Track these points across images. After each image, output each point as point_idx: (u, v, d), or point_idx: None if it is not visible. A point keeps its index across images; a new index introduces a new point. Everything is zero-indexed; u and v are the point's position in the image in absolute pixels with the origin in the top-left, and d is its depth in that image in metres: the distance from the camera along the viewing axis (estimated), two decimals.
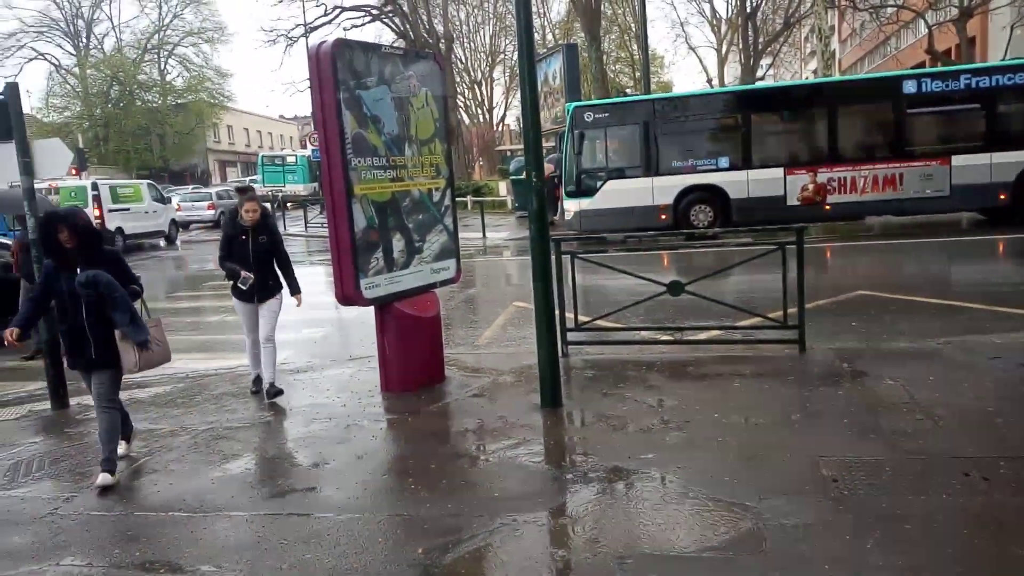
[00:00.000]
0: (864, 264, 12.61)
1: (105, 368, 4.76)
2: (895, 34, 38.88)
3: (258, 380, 6.46)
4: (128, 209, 22.21)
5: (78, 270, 4.57)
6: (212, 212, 29.86)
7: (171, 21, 54.11)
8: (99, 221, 20.51)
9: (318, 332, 9.34)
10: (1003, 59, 21.08)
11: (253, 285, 6.10)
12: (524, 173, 5.55)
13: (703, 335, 7.36)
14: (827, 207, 15.41)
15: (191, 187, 38.00)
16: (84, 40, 52.49)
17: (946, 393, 5.19)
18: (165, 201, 24.80)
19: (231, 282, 6.25)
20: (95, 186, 21.21)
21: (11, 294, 9.09)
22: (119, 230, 21.31)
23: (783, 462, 4.26)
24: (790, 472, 4.13)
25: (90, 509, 4.34)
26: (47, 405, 6.58)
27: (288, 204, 31.58)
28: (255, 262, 6.12)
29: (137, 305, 4.77)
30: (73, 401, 6.60)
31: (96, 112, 50.32)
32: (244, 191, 6.38)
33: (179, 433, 5.57)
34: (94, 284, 4.51)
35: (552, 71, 23.45)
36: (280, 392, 6.28)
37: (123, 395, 6.74)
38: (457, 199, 7.55)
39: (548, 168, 22.45)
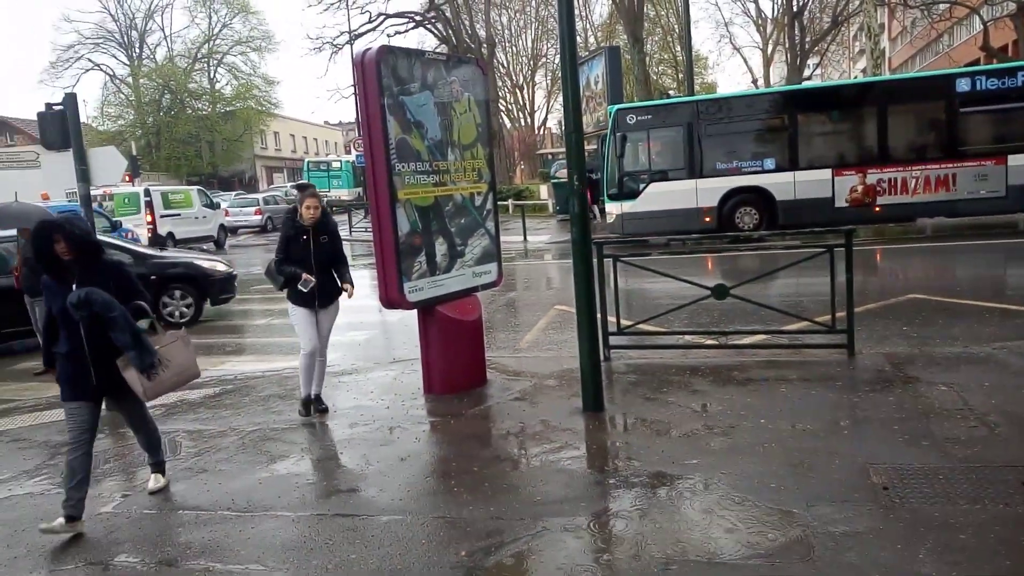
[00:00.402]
0: (915, 267, 12.29)
1: (120, 398, 4.36)
2: (948, 31, 37.86)
3: (308, 402, 5.91)
4: (179, 215, 22.81)
5: (74, 286, 4.05)
6: (259, 217, 30.46)
7: (220, 31, 55.57)
8: (151, 226, 21.14)
9: (362, 335, 9.45)
10: None
11: (314, 289, 5.63)
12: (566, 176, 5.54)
13: (748, 339, 7.26)
14: (877, 209, 15.07)
15: (235, 193, 38.72)
16: (137, 50, 54.17)
17: (1001, 400, 5.03)
18: (215, 207, 25.37)
19: (284, 288, 5.81)
20: (147, 192, 21.83)
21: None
22: (170, 235, 21.94)
23: (831, 469, 4.18)
24: (839, 479, 4.04)
25: (143, 508, 4.45)
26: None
27: (332, 208, 31.94)
28: (316, 264, 5.67)
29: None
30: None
31: (148, 120, 51.86)
32: (304, 188, 5.85)
33: (228, 434, 5.69)
34: (87, 303, 3.98)
35: (594, 75, 23.40)
36: (327, 411, 5.98)
37: (174, 396, 6.94)
38: (499, 203, 7.57)
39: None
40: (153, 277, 10.72)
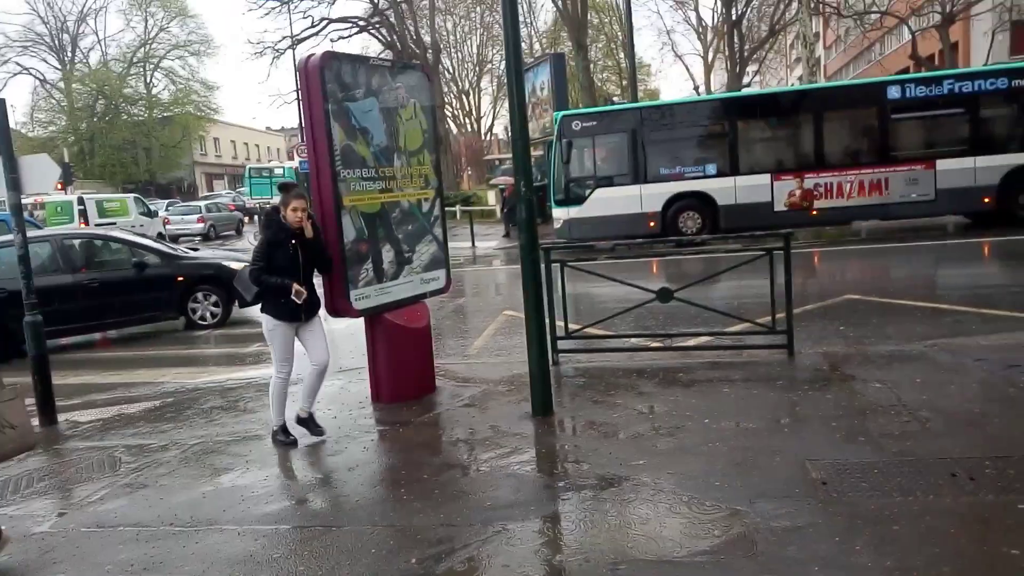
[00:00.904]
0: (851, 268, 12.71)
1: None
2: (879, 40, 39.28)
3: (285, 430, 5.41)
4: (115, 223, 22.10)
5: None
6: (201, 225, 30.01)
7: (157, 34, 54.23)
8: None
9: None
10: (985, 64, 21.35)
11: (304, 301, 5.15)
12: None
13: (692, 341, 7.40)
14: (814, 212, 15.55)
15: (167, 202, 37.86)
16: (69, 54, 52.43)
17: (933, 395, 5.24)
18: (152, 215, 24.75)
19: (256, 301, 5.33)
20: (81, 200, 21.17)
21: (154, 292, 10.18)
22: None
23: (773, 466, 4.29)
24: (780, 476, 4.16)
25: (81, 526, 4.31)
26: (35, 422, 6.53)
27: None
28: (304, 272, 5.21)
29: None
30: (61, 417, 6.56)
31: (82, 126, 50.23)
32: (288, 188, 5.29)
33: (169, 448, 5.55)
34: None
35: (540, 82, 23.59)
36: (323, 432, 5.51)
37: (113, 410, 6.76)
38: (446, 209, 7.57)
39: (511, 183, 22.75)
40: (180, 278, 10.52)
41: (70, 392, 7.59)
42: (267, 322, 5.27)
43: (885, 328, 7.71)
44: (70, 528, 4.29)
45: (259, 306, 5.37)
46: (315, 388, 5.46)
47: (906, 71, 29.17)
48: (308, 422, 5.46)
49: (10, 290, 8.79)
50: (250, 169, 42.96)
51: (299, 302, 5.12)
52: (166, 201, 37.07)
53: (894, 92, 15.20)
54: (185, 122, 52.63)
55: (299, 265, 5.17)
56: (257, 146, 70.58)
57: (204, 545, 3.92)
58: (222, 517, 4.25)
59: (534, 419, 5.49)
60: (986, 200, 14.78)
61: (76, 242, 10.79)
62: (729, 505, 3.85)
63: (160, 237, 24.46)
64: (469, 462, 4.87)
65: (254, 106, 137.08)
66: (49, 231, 11.27)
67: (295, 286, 5.05)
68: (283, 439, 5.40)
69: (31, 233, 9.24)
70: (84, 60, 53.44)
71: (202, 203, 33.91)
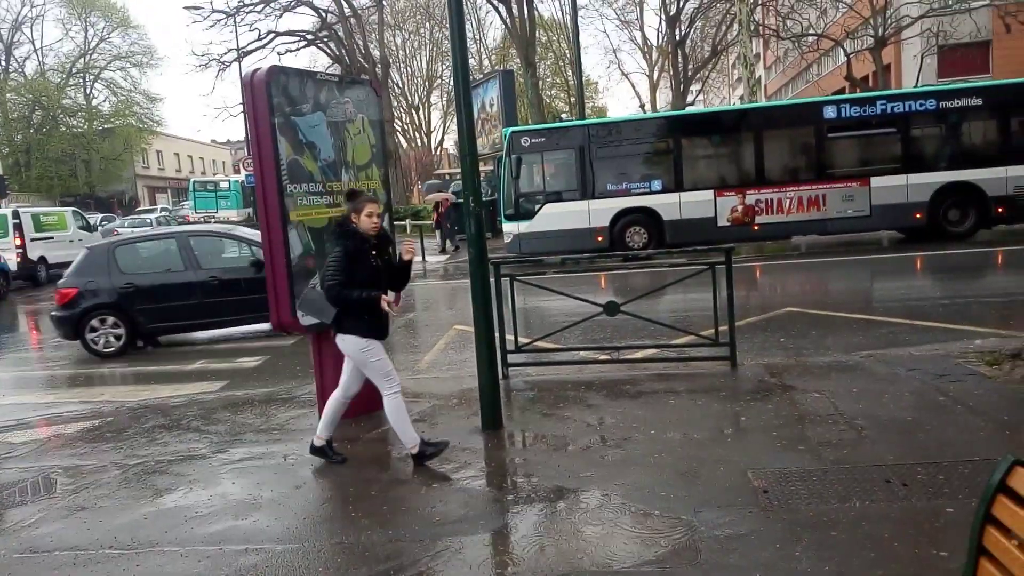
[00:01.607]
0: (792, 282, 13.07)
1: None
2: (816, 61, 40.68)
3: (328, 449, 5.13)
4: (52, 238, 21.36)
5: None
6: None
7: (97, 45, 52.81)
8: (20, 250, 19.72)
9: (254, 361, 9.17)
10: (915, 86, 22.28)
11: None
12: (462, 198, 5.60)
13: (639, 354, 7.52)
14: (755, 227, 15.96)
15: (102, 216, 37.09)
16: (3, 63, 50.67)
17: (868, 404, 5.43)
18: (91, 229, 24.00)
19: (333, 322, 4.83)
20: (16, 214, 20.34)
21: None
22: (42, 259, 20.53)
23: (717, 475, 4.39)
24: (723, 485, 4.25)
25: (12, 551, 4.16)
26: None
27: None
28: (385, 285, 4.89)
29: None
30: None
31: (17, 138, 48.52)
32: (357, 195, 4.89)
33: (109, 468, 5.40)
34: None
35: (489, 98, 23.74)
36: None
37: (48, 430, 6.54)
38: (396, 223, 7.55)
39: (445, 198, 22.90)
40: None
41: (4, 412, 7.33)
42: (356, 343, 4.78)
43: (823, 340, 7.95)
44: (1, 554, 4.14)
45: (328, 328, 5.01)
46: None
47: (842, 91, 30.29)
48: (327, 450, 5.17)
49: (137, 284, 10.02)
50: (194, 183, 42.11)
51: (394, 313, 4.86)
52: (101, 215, 36.18)
53: (830, 112, 15.75)
54: (127, 134, 51.26)
55: (382, 276, 4.85)
56: (202, 159, 69.17)
57: (145, 568, 3.82)
58: (164, 538, 4.15)
59: (484, 433, 5.50)
60: (918, 216, 15.39)
61: (198, 239, 10.76)
62: (674, 515, 3.93)
63: None
64: (418, 478, 4.85)
65: (199, 119, 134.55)
66: (174, 229, 11.30)
67: (383, 298, 4.71)
68: (334, 457, 5.10)
69: (159, 230, 9.19)
70: (19, 69, 51.75)
71: (152, 216, 33.84)
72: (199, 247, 10.49)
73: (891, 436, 4.81)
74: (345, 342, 4.83)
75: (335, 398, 5.13)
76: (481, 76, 28.11)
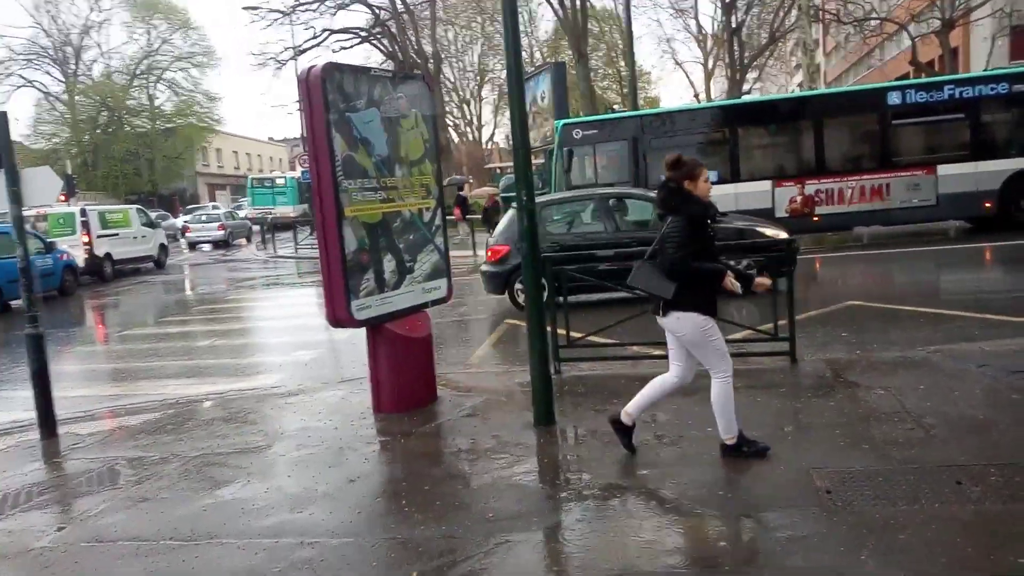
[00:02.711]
0: (853, 274, 12.67)
1: None
2: (879, 46, 39.33)
3: (748, 439, 4.57)
4: (117, 235, 22.18)
5: None
6: (222, 232, 32.03)
7: (160, 46, 54.34)
8: (88, 247, 20.51)
9: (308, 355, 9.31)
10: (985, 69, 21.36)
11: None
12: (515, 191, 5.56)
13: None
14: (815, 218, 15.51)
15: (206, 207, 41.43)
16: (73, 66, 52.55)
17: (937, 402, 5.21)
18: (154, 226, 24.81)
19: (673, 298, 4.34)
20: (83, 212, 21.16)
21: None
22: (108, 256, 21.33)
23: (776, 475, 4.26)
24: (783, 485, 4.13)
25: (80, 540, 4.29)
26: (36, 435, 6.51)
27: (277, 225, 31.79)
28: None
29: None
30: (62, 430, 6.54)
31: (85, 138, 50.36)
32: (681, 162, 4.53)
33: (169, 460, 5.53)
34: None
35: (540, 92, 23.61)
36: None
37: (114, 423, 6.74)
38: (448, 217, 7.56)
39: (491, 192, 22.80)
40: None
41: (71, 405, 7.58)
42: (696, 321, 4.38)
43: (888, 334, 7.67)
44: (69, 543, 4.27)
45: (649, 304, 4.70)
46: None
47: (906, 77, 29.20)
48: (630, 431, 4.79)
49: (562, 243, 10.23)
50: (252, 179, 43.14)
51: (739, 291, 4.47)
52: (184, 209, 38.93)
53: (894, 98, 15.20)
54: (188, 133, 52.77)
55: (716, 249, 4.50)
56: (259, 156, 70.73)
57: (204, 559, 3.90)
58: (222, 530, 4.22)
59: (536, 428, 5.46)
60: (987, 205, 14.75)
61: (618, 201, 11.01)
62: (733, 515, 3.82)
63: (162, 248, 24.74)
64: (471, 473, 4.84)
65: (256, 117, 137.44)
66: (595, 191, 12.03)
67: (728, 272, 4.38)
68: (752, 448, 4.55)
69: (579, 192, 9.60)
70: (87, 72, 53.58)
71: (222, 211, 36.28)
72: (618, 208, 10.77)
73: (962, 435, 4.60)
74: (682, 321, 4.40)
75: (668, 383, 4.71)
76: (533, 69, 28.00)
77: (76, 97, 50.42)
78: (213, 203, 48.23)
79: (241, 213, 39.07)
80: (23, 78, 49.97)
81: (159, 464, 5.46)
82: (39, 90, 50.93)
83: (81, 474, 5.42)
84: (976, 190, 14.72)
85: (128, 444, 6.05)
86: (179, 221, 37.20)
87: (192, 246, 32.21)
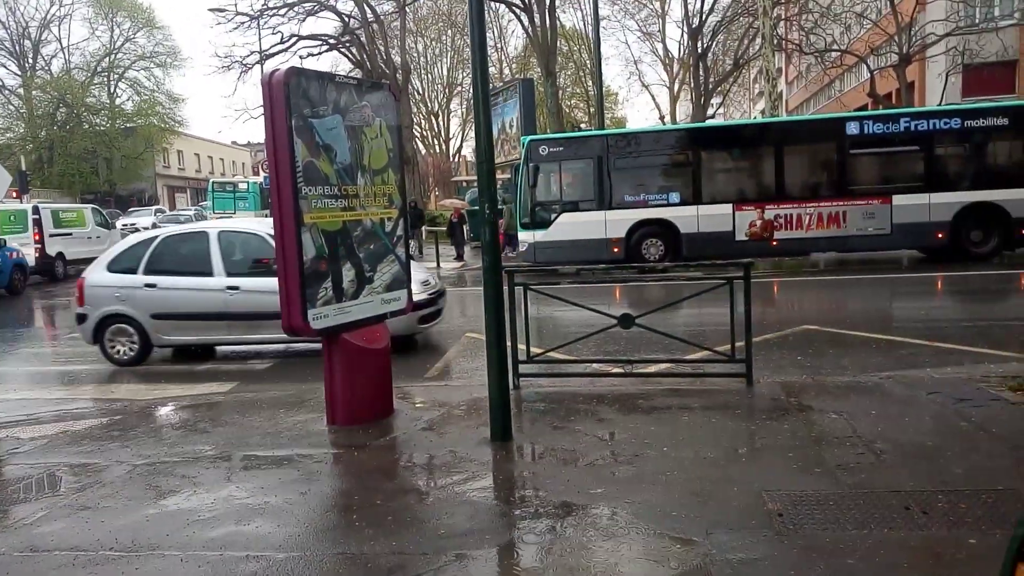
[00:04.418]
0: (809, 299, 12.90)
1: None
2: (839, 77, 40.42)
3: None
4: (70, 234, 21.61)
5: None
6: None
7: (123, 44, 53.43)
8: (39, 246, 19.94)
9: (264, 364, 9.13)
10: (939, 104, 22.04)
11: None
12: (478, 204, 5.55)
13: (653, 368, 7.41)
14: (774, 243, 15.80)
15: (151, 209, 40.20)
16: (30, 60, 51.35)
17: (887, 427, 5.30)
18: (109, 226, 24.28)
19: None
20: (36, 210, 20.60)
21: None
22: (60, 255, 20.75)
23: (730, 496, 4.28)
24: (737, 506, 4.14)
25: (13, 549, 4.11)
26: None
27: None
28: None
29: None
30: (2, 434, 6.30)
31: (41, 134, 49.14)
32: None
33: (114, 467, 5.35)
34: None
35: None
36: None
37: (56, 427, 6.51)
38: (410, 229, 7.50)
39: (458, 205, 22.83)
40: None
41: (13, 407, 7.32)
42: None
43: (841, 359, 7.80)
44: (1, 552, 4.09)
45: None
46: None
47: (865, 108, 30.02)
48: None
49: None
50: (213, 183, 42.47)
51: None
52: (154, 208, 39.94)
53: (853, 128, 15.59)
54: (148, 133, 51.81)
55: None
56: (222, 160, 69.70)
57: (144, 571, 3.76)
58: (165, 542, 4.09)
59: (493, 444, 5.42)
60: (940, 235, 15.17)
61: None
62: (686, 536, 3.82)
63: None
64: (424, 488, 4.77)
65: (220, 120, 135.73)
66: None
67: None
68: None
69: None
70: (46, 67, 52.43)
71: (191, 212, 37.27)
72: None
73: (911, 461, 4.68)
74: None
75: None
76: (502, 84, 28.10)
77: (33, 92, 49.21)
78: (198, 205, 47.65)
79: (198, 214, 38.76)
80: None
81: (103, 471, 5.28)
82: None
83: (19, 480, 5.22)
84: (929, 221, 15.13)
85: (71, 449, 5.85)
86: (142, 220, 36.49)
87: None
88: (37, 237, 19.99)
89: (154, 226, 33.87)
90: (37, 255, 19.81)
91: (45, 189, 44.81)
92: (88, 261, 22.26)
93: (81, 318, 9.27)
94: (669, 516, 4.06)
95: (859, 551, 3.57)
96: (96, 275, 9.34)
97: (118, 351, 9.21)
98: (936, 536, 3.72)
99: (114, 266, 9.28)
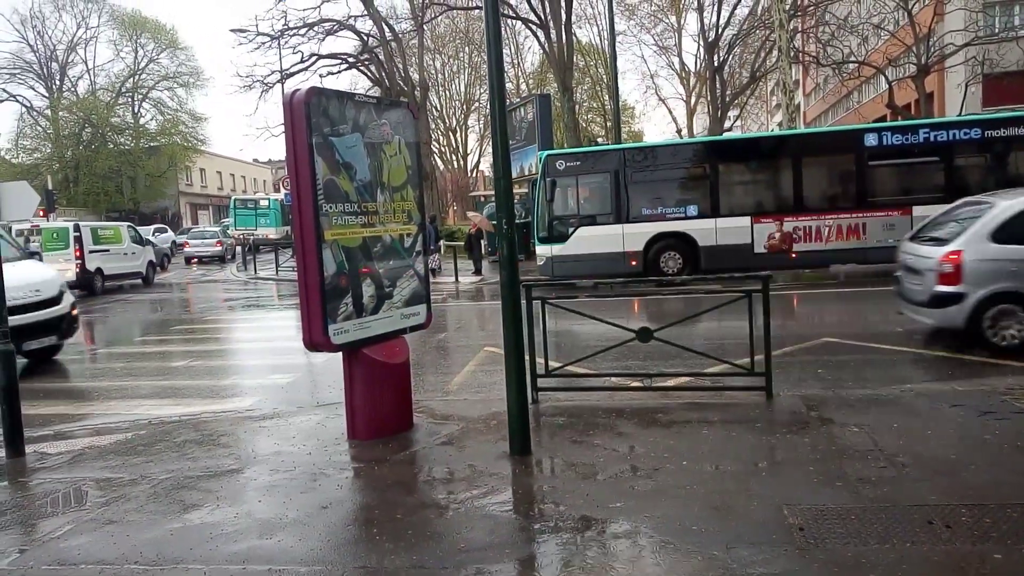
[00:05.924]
0: (829, 311, 12.81)
1: None
2: (857, 89, 40.21)
3: None
4: (108, 251, 22.35)
5: None
6: (219, 248, 34.04)
7: (147, 65, 54.36)
8: (79, 262, 20.57)
9: (285, 378, 9.22)
10: (959, 114, 21.87)
11: None
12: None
13: (672, 382, 7.39)
14: (793, 255, 15.71)
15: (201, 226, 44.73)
16: (57, 82, 52.44)
17: (909, 440, 5.25)
18: (143, 243, 24.97)
19: None
20: (77, 227, 21.28)
21: None
22: (99, 271, 21.54)
23: (750, 510, 4.26)
24: (757, 521, 4.13)
25: (41, 563, 4.19)
26: (1, 453, 6.37)
27: (259, 248, 31.70)
28: None
29: None
30: (29, 449, 6.41)
31: (67, 154, 50.08)
32: None
33: (139, 482, 5.43)
34: None
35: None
36: None
37: (82, 442, 6.61)
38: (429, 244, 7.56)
39: (476, 219, 22.87)
40: None
41: (40, 423, 7.44)
42: None
43: (863, 372, 7.74)
44: (29, 566, 4.16)
45: None
46: None
47: (883, 119, 29.83)
48: None
49: None
50: (235, 200, 43.00)
51: None
52: (154, 227, 40.37)
53: (872, 139, 15.51)
54: (172, 152, 52.63)
55: None
56: (244, 177, 70.54)
57: None
58: (189, 556, 4.14)
59: (512, 458, 5.43)
60: None
61: None
62: (706, 551, 3.81)
63: (151, 265, 24.84)
64: (444, 502, 4.79)
65: (241, 138, 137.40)
66: None
67: None
68: None
69: None
70: (72, 89, 53.47)
71: (218, 228, 38.79)
72: None
73: (934, 475, 4.64)
74: None
75: None
76: (518, 100, 28.26)
77: (60, 113, 50.19)
78: (222, 221, 48.85)
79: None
80: (6, 92, 49.79)
81: (128, 486, 5.36)
82: (22, 104, 50.70)
83: (47, 495, 5.30)
84: None
85: (97, 464, 5.94)
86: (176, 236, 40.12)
87: (188, 260, 34.34)
88: (78, 253, 20.75)
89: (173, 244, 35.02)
90: (78, 270, 20.51)
91: (71, 208, 45.59)
92: (124, 276, 23.12)
93: (952, 299, 8.06)
94: (689, 530, 4.05)
95: (881, 566, 3.54)
96: (977, 247, 8.03)
97: (1005, 336, 7.97)
98: (960, 551, 3.69)
99: (1000, 236, 7.97)
